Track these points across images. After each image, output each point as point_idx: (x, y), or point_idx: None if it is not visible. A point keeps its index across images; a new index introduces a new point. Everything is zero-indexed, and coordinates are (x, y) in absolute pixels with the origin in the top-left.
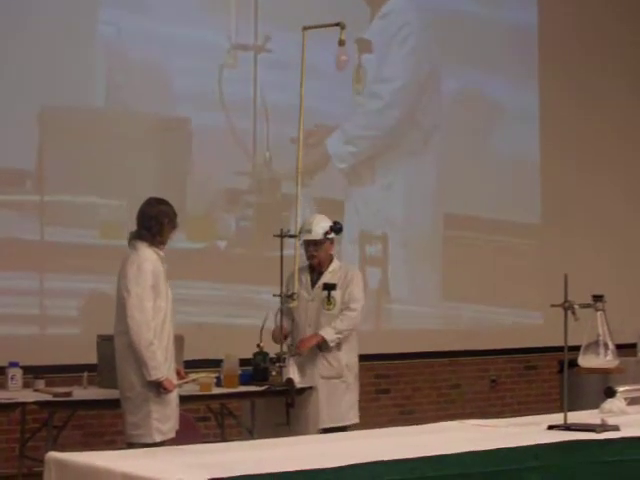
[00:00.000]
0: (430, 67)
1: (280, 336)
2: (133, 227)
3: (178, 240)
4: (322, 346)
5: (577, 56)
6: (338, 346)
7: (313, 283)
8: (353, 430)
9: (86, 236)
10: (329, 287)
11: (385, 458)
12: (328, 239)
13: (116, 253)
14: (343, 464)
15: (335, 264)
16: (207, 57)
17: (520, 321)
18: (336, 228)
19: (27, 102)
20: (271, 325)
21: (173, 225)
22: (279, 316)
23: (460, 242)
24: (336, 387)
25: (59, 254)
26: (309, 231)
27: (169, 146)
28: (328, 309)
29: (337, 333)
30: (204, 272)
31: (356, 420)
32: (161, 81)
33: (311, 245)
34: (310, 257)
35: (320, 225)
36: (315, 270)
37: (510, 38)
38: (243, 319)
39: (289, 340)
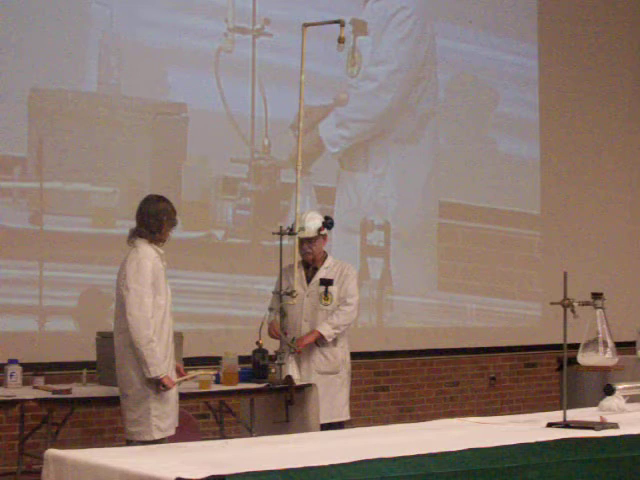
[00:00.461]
0: (426, 52)
1: (280, 332)
2: (126, 215)
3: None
4: (319, 341)
5: (577, 38)
6: (334, 342)
7: (308, 279)
8: (346, 426)
9: (78, 224)
10: (326, 282)
11: (385, 455)
12: (321, 235)
13: (108, 242)
14: (343, 461)
15: (330, 260)
16: (204, 40)
17: (519, 318)
18: (328, 224)
19: (16, 86)
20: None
21: (172, 222)
22: (278, 314)
23: (456, 232)
24: (332, 382)
25: (49, 243)
26: (302, 229)
27: (164, 132)
28: (325, 304)
29: (334, 328)
30: (200, 262)
31: (348, 417)
32: (156, 64)
33: (305, 242)
34: (305, 254)
35: (313, 222)
36: (309, 266)
37: (510, 19)
38: (241, 311)
39: (288, 336)
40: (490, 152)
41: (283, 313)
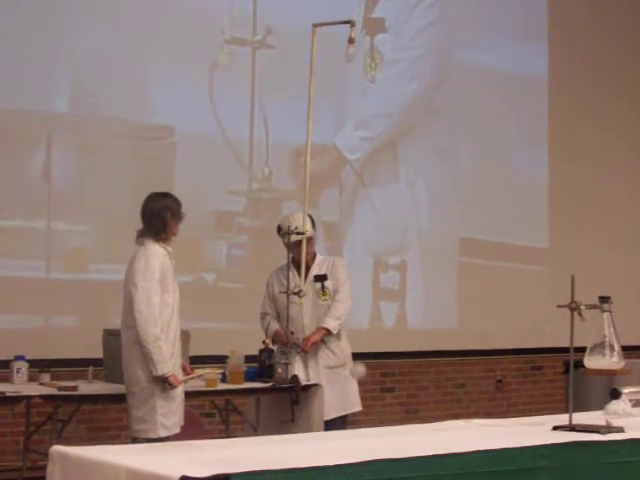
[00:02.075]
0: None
1: (287, 334)
2: (102, 257)
3: None
4: (324, 338)
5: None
6: (338, 336)
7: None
8: (356, 418)
9: (45, 269)
10: (321, 278)
11: (391, 456)
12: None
13: (81, 289)
14: (348, 461)
15: (319, 257)
16: (196, 53)
17: (526, 321)
18: (313, 221)
19: None
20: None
21: (178, 218)
22: (275, 319)
23: (478, 271)
24: (340, 375)
25: (8, 292)
26: (302, 232)
27: (148, 159)
28: (324, 299)
29: (336, 319)
30: (189, 310)
31: (360, 407)
32: (139, 81)
33: (307, 243)
34: (307, 253)
35: (307, 222)
36: (299, 266)
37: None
38: (248, 310)
39: (295, 337)
40: (498, 184)
41: (288, 313)
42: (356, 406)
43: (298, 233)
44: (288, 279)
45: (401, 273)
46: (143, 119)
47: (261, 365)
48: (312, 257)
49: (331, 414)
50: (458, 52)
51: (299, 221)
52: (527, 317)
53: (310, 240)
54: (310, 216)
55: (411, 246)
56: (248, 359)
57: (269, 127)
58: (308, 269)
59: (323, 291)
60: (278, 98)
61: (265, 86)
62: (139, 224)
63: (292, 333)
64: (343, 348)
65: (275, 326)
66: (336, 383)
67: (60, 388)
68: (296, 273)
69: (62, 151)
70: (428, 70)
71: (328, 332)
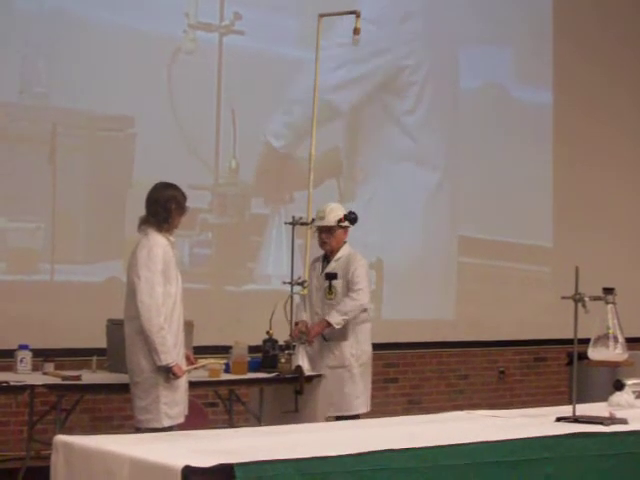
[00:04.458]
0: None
1: (299, 332)
2: (53, 257)
3: (116, 271)
4: (326, 335)
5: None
6: (343, 336)
7: (323, 272)
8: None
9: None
10: (331, 276)
11: (395, 447)
12: (341, 227)
13: (28, 291)
14: (352, 452)
15: (343, 252)
16: (157, 39)
17: (529, 313)
18: (350, 217)
19: None
20: (280, 314)
21: (182, 210)
22: (289, 305)
23: (470, 269)
24: (340, 376)
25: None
26: (322, 218)
27: (105, 152)
28: (329, 299)
29: (342, 315)
30: None
31: (361, 410)
32: (95, 69)
33: (323, 232)
34: (322, 244)
35: (333, 213)
36: (327, 259)
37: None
38: (252, 300)
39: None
40: (498, 179)
41: (292, 303)
42: (353, 409)
43: (302, 224)
44: (292, 270)
45: (404, 267)
46: (99, 110)
47: (265, 355)
48: (336, 250)
49: (328, 412)
50: (436, 38)
51: (324, 209)
52: (530, 309)
53: (331, 231)
54: (351, 212)
55: (414, 242)
56: (252, 349)
57: (236, 117)
58: (329, 261)
59: (329, 290)
60: (246, 86)
61: (233, 74)
62: (95, 221)
63: (297, 324)
64: (345, 350)
65: (300, 316)
66: (334, 383)
67: (64, 378)
68: (321, 265)
69: (10, 143)
70: (370, 61)
71: (329, 325)
